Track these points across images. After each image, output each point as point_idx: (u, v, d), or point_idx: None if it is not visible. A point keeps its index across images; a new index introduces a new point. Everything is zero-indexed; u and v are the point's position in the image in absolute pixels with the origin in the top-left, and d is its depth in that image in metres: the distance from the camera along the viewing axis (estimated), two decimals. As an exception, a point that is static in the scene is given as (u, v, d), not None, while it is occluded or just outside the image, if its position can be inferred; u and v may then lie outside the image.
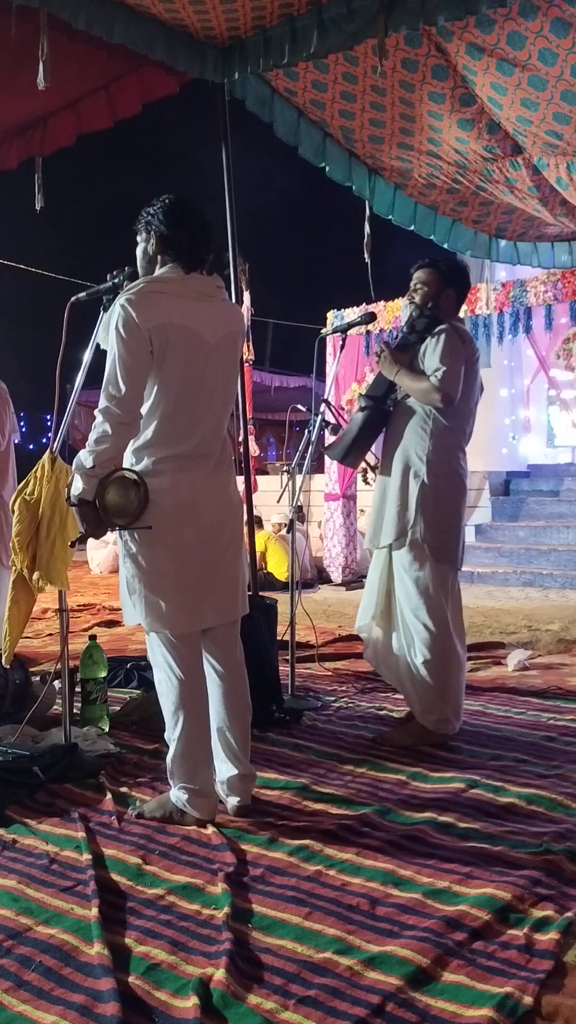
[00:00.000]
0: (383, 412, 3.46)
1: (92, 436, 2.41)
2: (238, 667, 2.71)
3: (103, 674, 3.51)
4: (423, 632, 3.29)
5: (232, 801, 2.65)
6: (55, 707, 3.62)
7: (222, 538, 2.59)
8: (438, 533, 3.28)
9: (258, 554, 7.42)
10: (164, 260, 2.54)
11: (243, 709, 2.70)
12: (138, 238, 2.60)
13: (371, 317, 4.07)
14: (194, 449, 2.51)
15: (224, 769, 2.66)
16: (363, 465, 3.66)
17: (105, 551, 9.45)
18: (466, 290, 3.49)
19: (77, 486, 2.41)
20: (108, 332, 2.47)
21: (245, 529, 3.17)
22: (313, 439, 3.94)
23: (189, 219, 2.52)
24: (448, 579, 3.34)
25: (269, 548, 8.28)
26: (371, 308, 8.04)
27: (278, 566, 8.10)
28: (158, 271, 2.55)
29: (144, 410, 2.48)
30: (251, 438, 8.45)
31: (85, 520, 2.44)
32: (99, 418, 2.40)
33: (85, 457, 2.39)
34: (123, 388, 2.39)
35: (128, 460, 2.50)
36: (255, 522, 5.16)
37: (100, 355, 2.80)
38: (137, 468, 2.48)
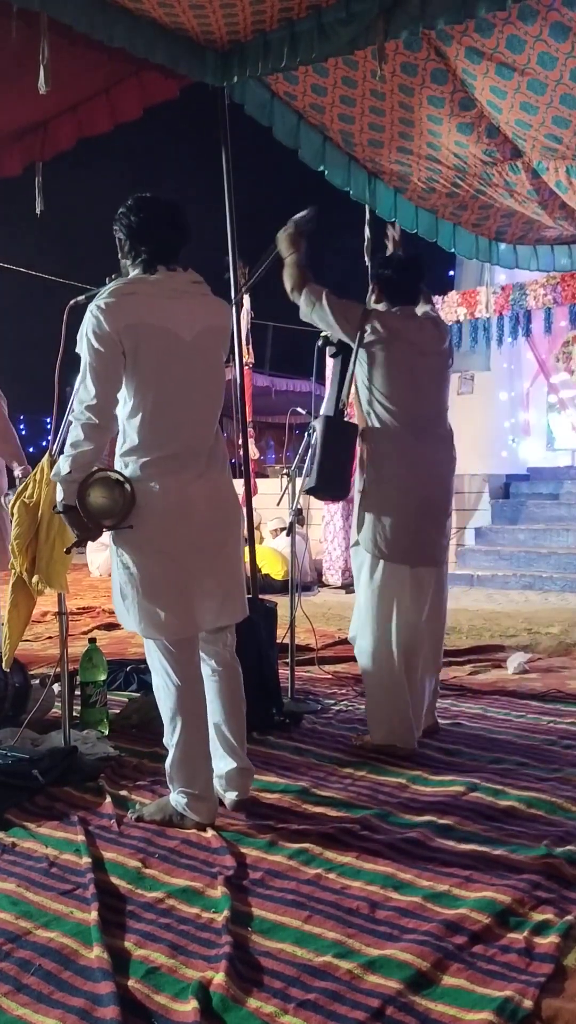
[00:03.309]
0: (339, 425, 3.38)
1: (68, 442, 2.45)
2: (233, 662, 2.71)
3: (103, 677, 3.51)
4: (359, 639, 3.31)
5: (230, 796, 2.66)
6: (54, 710, 3.61)
7: (216, 538, 2.57)
8: (376, 527, 3.17)
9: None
10: (133, 260, 2.54)
11: (239, 704, 2.70)
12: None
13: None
14: (181, 449, 2.49)
15: (222, 764, 2.67)
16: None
17: (104, 554, 9.43)
18: (395, 279, 3.43)
19: (59, 493, 2.45)
20: (79, 338, 2.48)
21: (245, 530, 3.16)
22: (312, 442, 3.93)
23: (148, 216, 2.50)
24: (392, 576, 3.18)
25: (258, 552, 8.23)
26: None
27: (271, 567, 8.08)
28: (131, 272, 2.55)
29: (125, 414, 2.48)
30: (251, 441, 8.45)
31: (75, 525, 2.46)
32: (73, 424, 2.44)
33: (62, 463, 2.43)
34: (93, 393, 2.41)
35: (116, 466, 2.51)
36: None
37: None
38: (125, 473, 2.48)
